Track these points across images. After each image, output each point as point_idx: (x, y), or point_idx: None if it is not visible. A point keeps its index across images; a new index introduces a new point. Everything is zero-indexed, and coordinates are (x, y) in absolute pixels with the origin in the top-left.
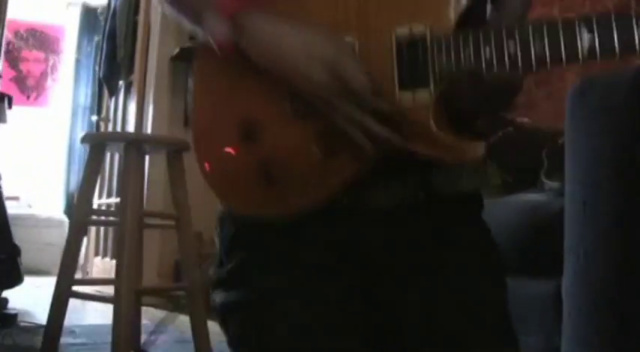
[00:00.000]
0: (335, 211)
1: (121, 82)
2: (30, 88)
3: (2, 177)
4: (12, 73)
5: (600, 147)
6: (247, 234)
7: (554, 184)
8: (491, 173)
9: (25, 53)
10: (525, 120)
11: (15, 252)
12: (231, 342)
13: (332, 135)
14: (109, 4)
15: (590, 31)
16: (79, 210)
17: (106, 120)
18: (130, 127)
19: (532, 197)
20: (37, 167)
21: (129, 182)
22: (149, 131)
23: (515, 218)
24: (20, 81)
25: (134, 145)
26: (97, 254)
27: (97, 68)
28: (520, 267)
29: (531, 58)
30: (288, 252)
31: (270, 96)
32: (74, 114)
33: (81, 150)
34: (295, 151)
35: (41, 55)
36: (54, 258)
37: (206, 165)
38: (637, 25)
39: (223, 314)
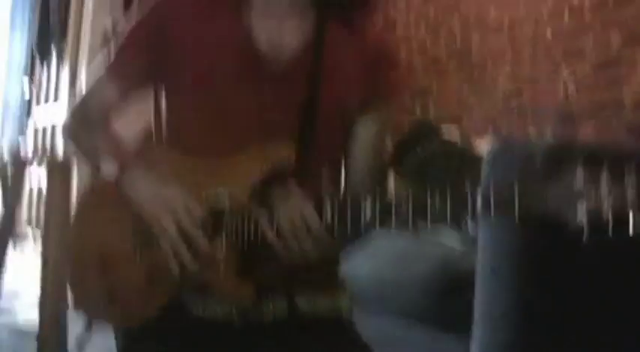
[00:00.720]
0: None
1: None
2: None
3: None
4: None
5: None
6: None
7: (474, 233)
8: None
9: None
10: (454, 127)
11: None
12: None
13: (154, 270)
14: None
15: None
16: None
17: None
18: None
19: (451, 244)
20: None
21: (52, 210)
22: None
23: (430, 266)
24: None
25: (59, 170)
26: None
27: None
28: (430, 320)
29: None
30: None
31: (122, 236)
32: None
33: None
34: (132, 279)
35: None
36: None
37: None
38: None
39: None
